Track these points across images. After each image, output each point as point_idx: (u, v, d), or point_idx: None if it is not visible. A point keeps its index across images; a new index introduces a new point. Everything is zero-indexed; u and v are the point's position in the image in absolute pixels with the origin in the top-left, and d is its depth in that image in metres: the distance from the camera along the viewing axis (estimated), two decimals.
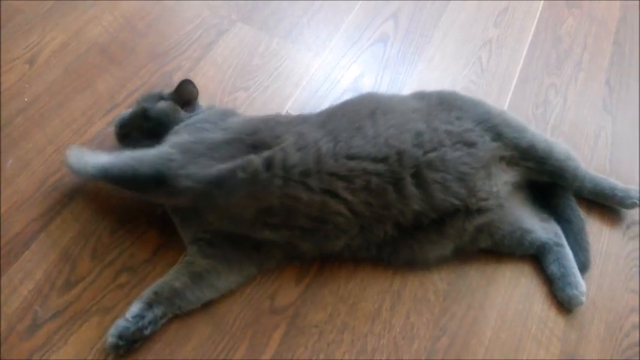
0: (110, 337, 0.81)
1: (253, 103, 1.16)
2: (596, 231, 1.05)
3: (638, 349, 0.92)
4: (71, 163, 0.92)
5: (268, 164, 0.84)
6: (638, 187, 1.06)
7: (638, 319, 0.96)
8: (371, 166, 0.86)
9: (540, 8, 1.44)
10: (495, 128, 0.95)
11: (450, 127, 0.92)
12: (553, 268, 0.95)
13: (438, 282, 0.96)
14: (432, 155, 0.89)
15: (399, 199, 0.87)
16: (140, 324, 0.82)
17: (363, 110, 0.93)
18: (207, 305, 0.90)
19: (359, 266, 0.96)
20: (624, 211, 1.07)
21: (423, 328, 0.91)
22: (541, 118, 1.20)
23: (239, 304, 0.91)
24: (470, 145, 0.92)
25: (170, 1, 1.32)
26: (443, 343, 0.90)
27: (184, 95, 1.02)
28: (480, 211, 0.91)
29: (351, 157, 0.86)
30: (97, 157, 0.91)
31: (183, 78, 1.02)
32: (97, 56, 1.19)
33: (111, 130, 1.04)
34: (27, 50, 1.17)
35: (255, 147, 0.87)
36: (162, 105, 1.00)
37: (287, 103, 1.18)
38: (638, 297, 0.98)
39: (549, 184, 1.02)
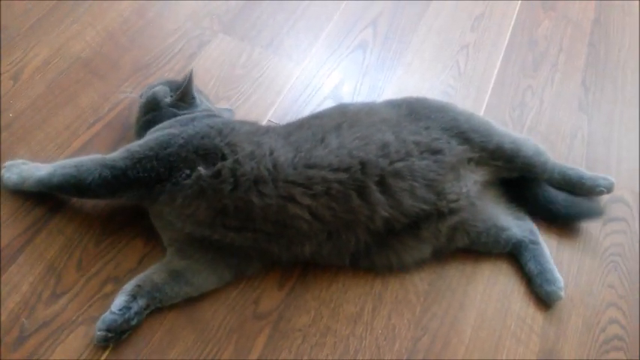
0: (98, 331, 0.84)
1: (236, 112, 1.18)
2: (575, 228, 1.08)
3: (614, 342, 0.94)
4: (6, 181, 0.95)
5: (216, 173, 0.88)
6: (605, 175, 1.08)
7: (614, 314, 0.98)
8: (331, 175, 0.89)
9: (516, 11, 1.47)
10: (463, 134, 0.98)
11: (418, 137, 0.95)
12: (530, 266, 0.97)
13: (419, 283, 0.98)
14: (399, 165, 0.91)
15: (364, 205, 0.89)
16: (127, 315, 0.85)
17: (330, 123, 0.96)
18: (192, 311, 0.91)
19: (341, 269, 0.98)
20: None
21: (404, 328, 0.93)
22: (518, 121, 1.23)
23: (223, 309, 0.92)
24: (437, 152, 0.94)
25: (152, 14, 1.34)
26: (424, 342, 0.92)
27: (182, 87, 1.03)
28: (452, 211, 0.94)
29: (310, 167, 0.89)
30: (36, 170, 0.95)
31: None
32: (80, 71, 1.21)
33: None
34: (11, 66, 1.19)
35: (204, 154, 0.89)
36: (155, 89, 1.04)
37: (269, 111, 1.20)
38: (615, 292, 1.01)
39: (522, 178, 1.05)
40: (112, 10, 1.34)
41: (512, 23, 1.44)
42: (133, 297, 0.86)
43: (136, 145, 0.92)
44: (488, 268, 1.01)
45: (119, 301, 0.86)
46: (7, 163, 0.99)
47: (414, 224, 0.93)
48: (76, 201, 1.01)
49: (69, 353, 0.85)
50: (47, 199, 1.01)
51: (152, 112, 1.02)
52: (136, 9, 1.35)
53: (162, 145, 0.90)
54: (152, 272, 0.90)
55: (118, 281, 0.93)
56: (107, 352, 0.86)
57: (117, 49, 1.26)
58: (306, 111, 1.20)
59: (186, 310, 0.92)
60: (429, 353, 0.91)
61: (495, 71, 1.33)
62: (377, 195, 0.90)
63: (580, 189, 1.06)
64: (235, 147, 0.91)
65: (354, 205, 0.89)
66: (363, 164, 0.90)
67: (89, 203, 1.02)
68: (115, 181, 0.89)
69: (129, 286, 0.88)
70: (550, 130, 1.23)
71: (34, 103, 1.14)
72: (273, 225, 0.89)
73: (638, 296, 1.00)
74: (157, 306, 0.89)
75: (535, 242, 0.99)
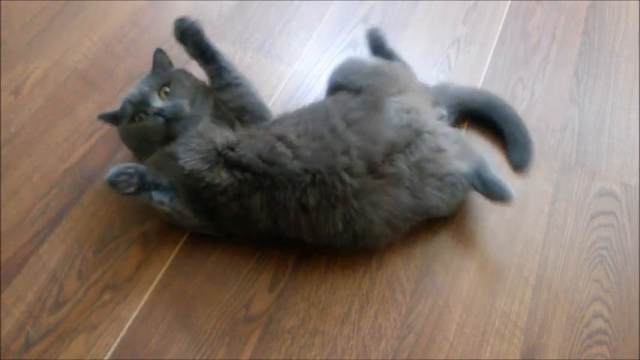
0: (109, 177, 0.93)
1: None
2: (560, 223, 1.09)
3: (598, 337, 0.96)
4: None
5: None
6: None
7: (599, 308, 0.99)
8: (308, 115, 0.99)
9: (509, 1, 1.46)
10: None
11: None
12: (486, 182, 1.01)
13: (405, 282, 1.01)
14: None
15: (336, 140, 0.94)
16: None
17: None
18: (186, 316, 0.96)
19: (329, 270, 1.02)
20: (589, 201, 1.11)
21: (390, 327, 0.96)
22: None
23: (216, 313, 0.97)
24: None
25: (147, 21, 1.38)
26: (409, 341, 0.95)
27: (155, 65, 1.08)
28: (410, 148, 0.98)
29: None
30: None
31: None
32: (77, 82, 1.25)
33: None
34: (12, 81, 1.24)
35: None
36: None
37: None
38: (600, 286, 1.02)
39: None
40: (108, 19, 1.38)
41: (505, 14, 1.43)
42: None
43: None
44: (475, 265, 1.03)
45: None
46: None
47: (390, 167, 0.95)
48: (76, 211, 1.06)
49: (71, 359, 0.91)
50: (49, 210, 1.07)
51: (176, 122, 1.00)
52: (130, 17, 1.38)
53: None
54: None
55: (116, 289, 0.98)
56: (106, 357, 0.91)
57: (112, 59, 1.30)
58: None
59: (180, 314, 0.96)
60: (413, 351, 0.94)
61: (486, 65, 1.33)
62: (347, 132, 0.95)
63: None
64: None
65: (328, 142, 0.94)
66: (328, 110, 0.99)
67: (89, 212, 1.07)
68: None
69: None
70: (540, 123, 1.23)
71: (34, 117, 1.19)
72: (263, 163, 0.93)
73: (624, 290, 1.01)
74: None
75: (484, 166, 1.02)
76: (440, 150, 1.00)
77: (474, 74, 1.31)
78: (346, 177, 0.93)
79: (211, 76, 1.06)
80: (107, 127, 1.17)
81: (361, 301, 0.99)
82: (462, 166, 1.01)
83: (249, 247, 1.04)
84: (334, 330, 0.96)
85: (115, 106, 1.20)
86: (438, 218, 1.05)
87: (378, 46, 1.26)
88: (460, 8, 1.44)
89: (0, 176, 1.10)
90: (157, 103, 1.00)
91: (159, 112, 0.97)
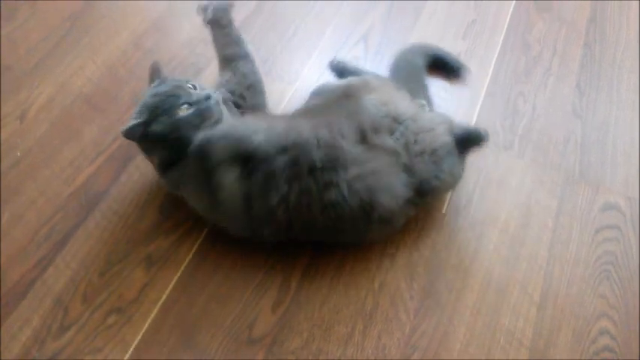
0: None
1: None
2: (565, 238, 1.08)
3: (604, 354, 0.95)
4: None
5: None
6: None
7: (605, 324, 0.98)
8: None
9: (510, 14, 1.47)
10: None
11: None
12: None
13: (409, 301, 1.01)
14: None
15: (329, 113, 1.03)
16: None
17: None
18: (191, 336, 0.96)
19: (333, 289, 1.02)
20: (594, 215, 1.10)
21: (394, 347, 0.96)
22: (509, 130, 1.23)
23: (220, 334, 0.97)
24: None
25: (150, 44, 1.40)
26: None
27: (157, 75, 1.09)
28: (395, 135, 1.02)
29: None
30: None
31: None
32: (82, 106, 1.27)
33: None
34: (18, 107, 1.26)
35: None
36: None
37: None
38: (606, 302, 1.01)
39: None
40: (111, 43, 1.40)
41: (505, 27, 1.44)
42: None
43: None
44: (478, 283, 1.02)
45: None
46: None
47: (379, 138, 1.00)
48: (80, 234, 1.08)
49: None
50: (55, 234, 1.08)
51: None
52: (133, 41, 1.40)
53: None
54: None
55: (121, 312, 0.98)
56: None
57: (116, 82, 1.31)
58: None
59: (184, 335, 0.97)
60: None
61: (487, 79, 1.33)
62: (334, 111, 1.03)
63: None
64: None
65: (324, 114, 1.03)
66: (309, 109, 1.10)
67: (94, 235, 1.08)
68: None
69: None
70: (542, 136, 1.22)
71: (39, 142, 1.21)
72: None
73: (630, 305, 1.00)
74: None
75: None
76: (426, 130, 1.03)
77: (475, 89, 1.31)
78: (343, 142, 0.97)
79: (230, 43, 1.16)
80: (111, 150, 1.19)
81: (365, 320, 0.99)
82: (450, 139, 1.04)
83: (252, 267, 1.04)
84: (338, 351, 0.96)
85: (118, 129, 1.23)
86: (441, 237, 1.05)
87: (341, 71, 1.29)
88: (460, 24, 1.44)
89: (6, 201, 1.12)
90: (194, 94, 0.98)
91: (208, 97, 0.98)
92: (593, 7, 1.48)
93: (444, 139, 1.03)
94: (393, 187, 0.98)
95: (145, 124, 0.96)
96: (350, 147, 0.97)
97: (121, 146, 1.20)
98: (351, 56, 1.38)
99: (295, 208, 0.95)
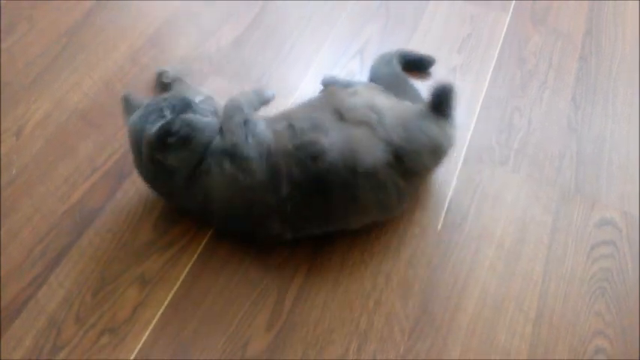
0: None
1: None
2: (560, 255, 1.08)
3: None
4: None
5: None
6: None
7: (601, 342, 0.98)
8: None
9: (505, 27, 1.47)
10: None
11: None
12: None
13: (404, 320, 1.00)
14: None
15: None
16: None
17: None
18: (183, 358, 0.96)
19: (327, 308, 1.01)
20: (589, 231, 1.10)
21: None
22: (505, 144, 1.23)
23: (214, 354, 0.96)
24: None
25: (147, 59, 1.40)
26: None
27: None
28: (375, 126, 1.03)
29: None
30: None
31: None
32: (77, 122, 1.27)
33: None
34: (14, 123, 1.26)
35: None
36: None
37: None
38: (602, 319, 1.00)
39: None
40: (108, 58, 1.40)
41: (501, 41, 1.44)
42: None
43: None
44: (473, 303, 1.02)
45: None
46: None
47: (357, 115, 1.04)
48: (74, 253, 1.07)
49: None
50: (49, 252, 1.08)
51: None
52: (130, 56, 1.41)
53: None
54: None
55: (114, 332, 0.98)
56: None
57: (112, 98, 1.31)
58: None
59: (179, 354, 0.96)
60: None
61: (483, 93, 1.33)
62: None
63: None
64: None
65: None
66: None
67: (88, 253, 1.08)
68: None
69: None
70: (538, 151, 1.22)
71: (35, 158, 1.21)
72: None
73: (625, 323, 1.00)
74: None
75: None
76: (401, 110, 1.07)
77: (470, 103, 1.31)
78: (324, 120, 1.03)
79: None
80: (107, 166, 1.19)
81: (359, 340, 0.98)
82: (419, 107, 1.09)
83: (246, 286, 1.04)
84: None
85: (114, 145, 1.23)
86: (436, 254, 1.05)
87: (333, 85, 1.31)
88: (455, 38, 1.44)
89: (3, 217, 1.12)
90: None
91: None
92: (589, 20, 1.48)
93: (413, 108, 1.09)
94: (372, 149, 1.00)
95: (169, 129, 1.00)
96: (329, 123, 1.03)
97: (117, 162, 1.20)
98: (347, 71, 1.38)
99: (292, 194, 0.98)
